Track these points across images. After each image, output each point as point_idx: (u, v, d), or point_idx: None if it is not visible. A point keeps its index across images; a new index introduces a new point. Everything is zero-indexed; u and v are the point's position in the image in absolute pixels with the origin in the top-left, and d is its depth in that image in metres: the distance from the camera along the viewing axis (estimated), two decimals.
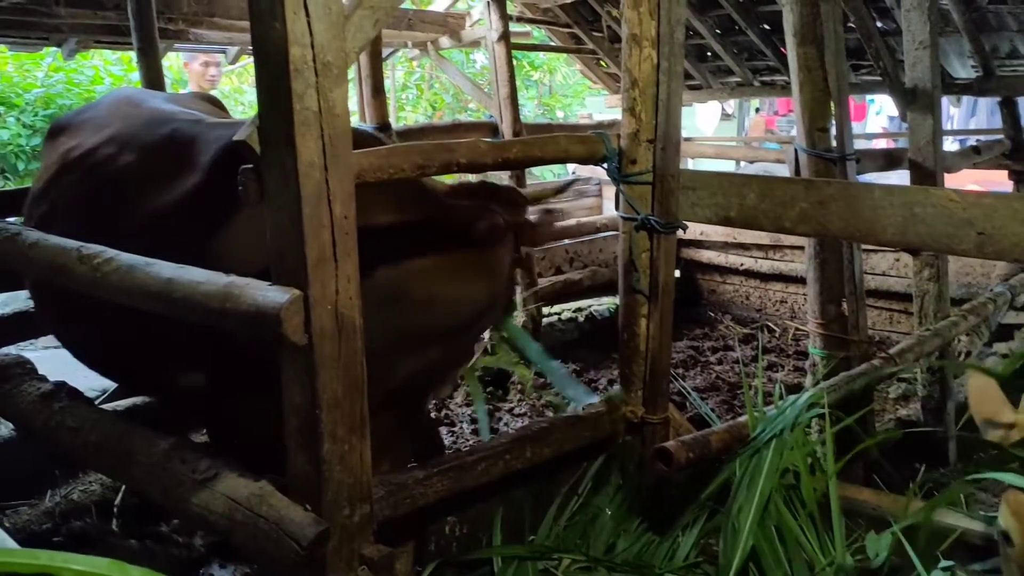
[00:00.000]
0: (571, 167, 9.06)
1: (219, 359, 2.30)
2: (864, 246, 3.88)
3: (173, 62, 10.63)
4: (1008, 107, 5.26)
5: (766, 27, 6.00)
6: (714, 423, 3.09)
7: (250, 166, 1.81)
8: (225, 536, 2.03)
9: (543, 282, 5.76)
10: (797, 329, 6.03)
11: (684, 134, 2.68)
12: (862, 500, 2.49)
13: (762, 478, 2.43)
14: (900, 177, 5.19)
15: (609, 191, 8.57)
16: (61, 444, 2.48)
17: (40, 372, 2.80)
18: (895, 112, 6.39)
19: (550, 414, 4.52)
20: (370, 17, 1.88)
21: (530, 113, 13.81)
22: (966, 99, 9.17)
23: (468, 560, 2.49)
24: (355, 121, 4.18)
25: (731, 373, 5.25)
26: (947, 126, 9.43)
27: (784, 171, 4.67)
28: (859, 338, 3.46)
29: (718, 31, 6.31)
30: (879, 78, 5.30)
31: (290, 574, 1.86)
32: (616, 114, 5.52)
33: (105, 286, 2.11)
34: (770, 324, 6.31)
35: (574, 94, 14.86)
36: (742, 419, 2.70)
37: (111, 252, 2.14)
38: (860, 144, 5.49)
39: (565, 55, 8.66)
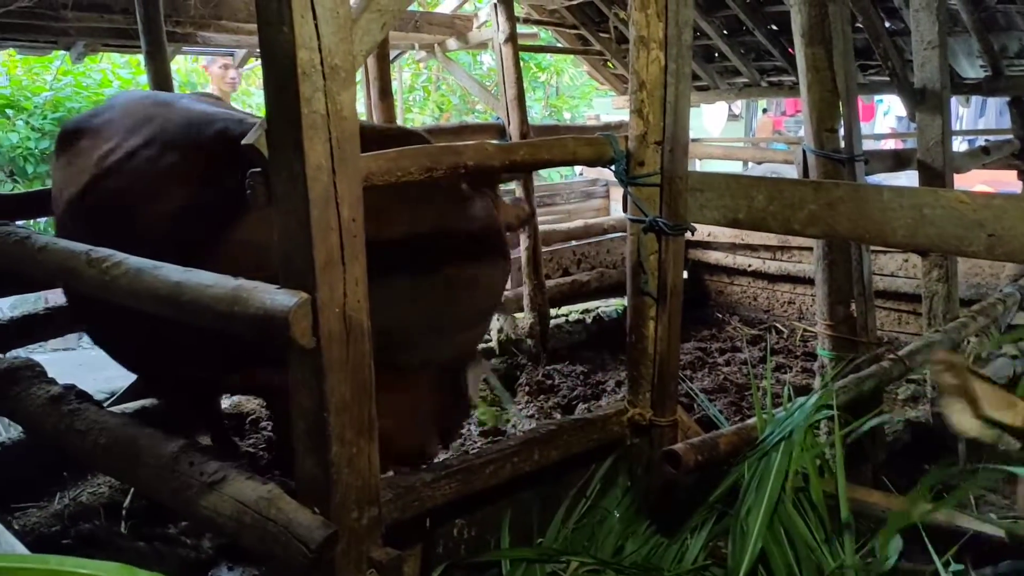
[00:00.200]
0: (578, 168, 9.05)
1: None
2: (873, 247, 3.87)
3: (181, 65, 10.68)
4: (1017, 107, 5.24)
5: (773, 27, 5.99)
6: (722, 425, 3.08)
7: (258, 170, 1.81)
8: (234, 539, 2.03)
9: (551, 284, 5.76)
10: (805, 330, 6.02)
11: (691, 135, 2.67)
12: (872, 502, 2.47)
13: (771, 480, 2.42)
14: (909, 178, 5.18)
15: (616, 192, 8.55)
16: (70, 447, 2.49)
17: (49, 375, 2.81)
18: (903, 112, 6.38)
19: (557, 416, 4.52)
20: (377, 20, 1.88)
21: (537, 115, 13.81)
22: (975, 99, 9.14)
23: (476, 562, 2.49)
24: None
25: (739, 374, 5.24)
26: (956, 126, 9.39)
27: (792, 172, 4.66)
28: (868, 339, 3.44)
29: (725, 32, 6.30)
30: (887, 78, 5.28)
31: None
32: (623, 115, 5.51)
33: (114, 289, 2.12)
34: (778, 325, 6.29)
35: (581, 95, 14.86)
36: (751, 421, 2.70)
37: (120, 255, 2.15)
38: (868, 145, 5.46)
39: (572, 56, 8.65)
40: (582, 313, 6.44)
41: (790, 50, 5.94)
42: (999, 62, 5.05)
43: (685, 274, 2.65)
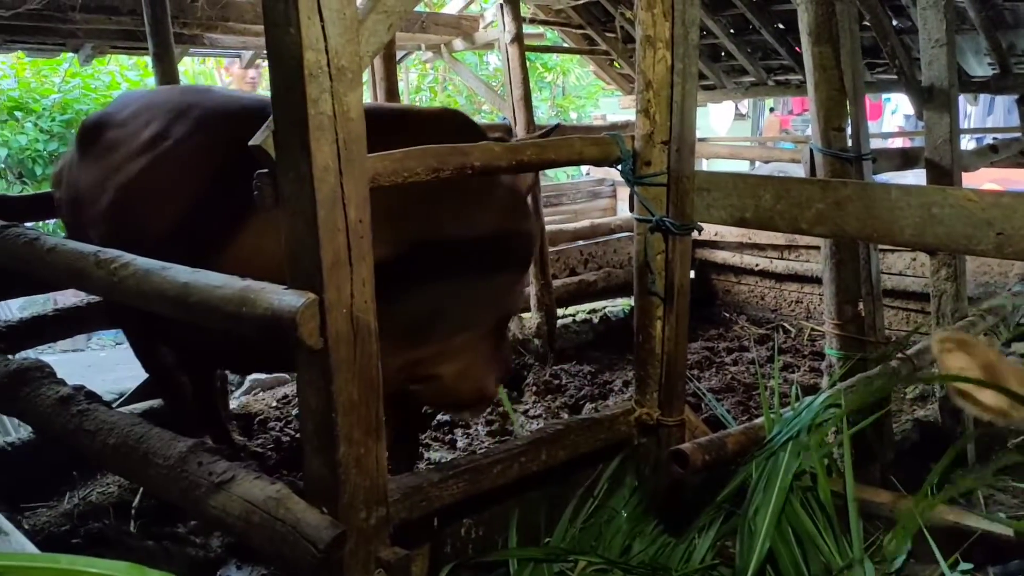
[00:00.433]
0: (584, 168, 9.05)
1: None
2: (880, 246, 3.86)
3: (188, 66, 10.72)
4: None
5: (780, 26, 5.98)
6: (730, 425, 3.08)
7: (265, 171, 1.81)
8: (242, 538, 2.04)
9: (557, 284, 5.76)
10: (813, 329, 6.00)
11: (698, 134, 2.67)
12: (880, 502, 2.47)
13: (779, 480, 2.41)
14: (917, 176, 5.16)
15: (623, 192, 8.56)
16: (80, 447, 2.50)
17: (58, 376, 2.82)
18: (911, 111, 6.36)
19: (565, 415, 4.52)
20: (384, 21, 1.89)
21: (544, 115, 13.80)
22: (983, 97, 9.10)
23: (484, 562, 2.49)
24: None
25: (746, 374, 5.23)
26: (964, 124, 9.36)
27: (799, 171, 4.65)
28: (876, 339, 3.43)
29: (732, 31, 6.29)
30: (895, 76, 5.27)
31: None
32: (630, 115, 5.51)
33: (122, 290, 2.13)
34: (785, 324, 6.28)
35: (587, 95, 14.85)
36: (758, 421, 2.69)
37: (128, 256, 2.16)
38: (876, 143, 5.45)
39: (578, 56, 8.65)
40: (589, 313, 6.44)
41: (797, 49, 5.93)
42: (1007, 60, 5.04)
43: (692, 273, 2.65)
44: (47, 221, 6.29)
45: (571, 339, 5.92)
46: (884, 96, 11.87)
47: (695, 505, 2.58)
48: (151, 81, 4.77)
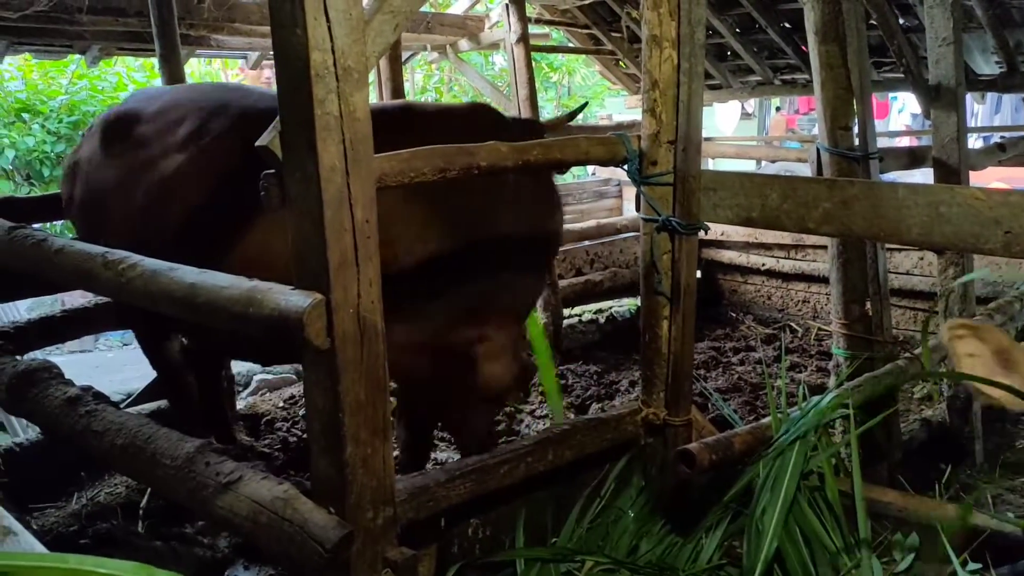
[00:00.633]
0: (590, 168, 9.05)
1: None
2: (888, 245, 3.85)
3: (195, 68, 10.74)
4: None
5: (787, 25, 5.97)
6: (736, 424, 3.07)
7: (272, 171, 1.82)
8: (250, 539, 2.04)
9: (564, 284, 5.75)
10: (820, 329, 5.99)
11: (704, 134, 2.67)
12: (888, 502, 2.46)
13: (786, 480, 2.41)
14: (924, 175, 5.15)
15: (629, 192, 8.54)
16: (88, 447, 2.51)
17: (66, 376, 2.83)
18: (918, 109, 6.34)
19: (571, 415, 4.52)
20: (390, 22, 1.89)
21: (549, 115, 13.78)
22: (990, 95, 9.07)
23: (491, 562, 2.49)
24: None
25: (753, 374, 5.22)
26: (971, 123, 9.33)
27: (806, 170, 4.64)
28: (883, 338, 3.42)
29: (738, 30, 6.28)
30: (902, 75, 5.25)
31: None
32: (636, 115, 5.49)
33: (130, 291, 2.13)
34: (792, 324, 6.26)
35: (593, 95, 14.84)
36: (765, 421, 2.69)
37: (135, 258, 2.16)
38: (882, 142, 5.43)
39: (584, 56, 8.64)
40: (595, 313, 6.43)
41: (803, 48, 5.92)
42: (1014, 58, 5.02)
43: (698, 273, 2.65)
44: (55, 222, 6.32)
45: (577, 339, 5.92)
46: (891, 95, 11.84)
47: (702, 505, 2.58)
48: (158, 82, 4.79)
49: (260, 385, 5.06)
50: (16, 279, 3.32)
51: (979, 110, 10.65)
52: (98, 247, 2.30)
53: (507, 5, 5.36)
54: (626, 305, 6.56)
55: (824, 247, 5.61)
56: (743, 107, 13.10)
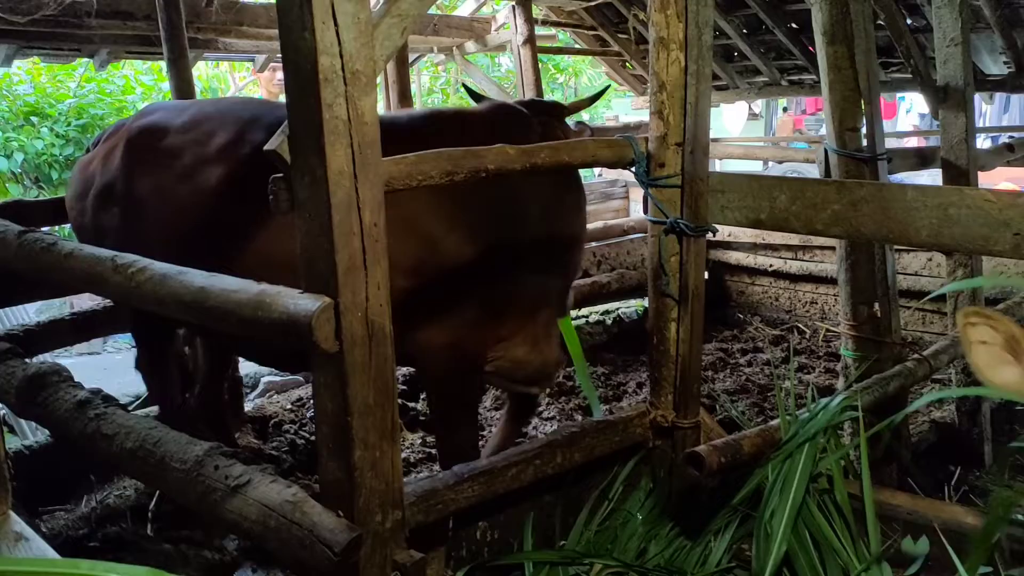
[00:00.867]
0: (597, 170, 9.05)
1: None
2: (896, 246, 3.84)
3: (202, 71, 10.77)
4: None
5: (794, 26, 5.96)
6: (745, 426, 3.07)
7: (280, 175, 1.82)
8: (259, 542, 2.05)
9: None
10: (828, 330, 5.97)
11: (711, 135, 2.66)
12: (897, 504, 2.45)
13: (795, 482, 2.41)
14: (932, 176, 5.13)
15: (636, 193, 8.55)
16: (97, 450, 2.51)
17: (76, 379, 2.83)
18: (925, 109, 6.32)
19: (579, 417, 4.52)
20: (398, 25, 1.89)
21: None
22: (999, 96, 9.05)
23: (499, 565, 2.49)
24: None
25: (761, 375, 5.21)
26: (979, 123, 9.31)
27: (813, 170, 4.63)
28: (892, 340, 3.41)
29: (745, 31, 6.27)
30: (909, 76, 5.24)
31: None
32: (642, 116, 5.48)
33: (140, 295, 2.13)
34: (800, 325, 6.25)
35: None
36: (774, 423, 2.68)
37: (144, 261, 2.17)
38: (890, 143, 5.41)
39: (590, 58, 8.64)
40: (602, 314, 6.42)
41: (811, 48, 5.91)
42: (1023, 58, 5.00)
43: (705, 275, 2.65)
44: (64, 226, 6.33)
45: (584, 340, 5.89)
46: (898, 95, 11.82)
47: (711, 507, 2.57)
48: (165, 86, 4.80)
49: (268, 387, 5.06)
50: (26, 282, 3.33)
51: (987, 110, 10.63)
52: (108, 251, 2.30)
53: (514, 7, 5.37)
54: (633, 306, 6.55)
55: (832, 248, 5.59)
56: (750, 108, 13.08)
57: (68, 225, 5.66)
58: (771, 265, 6.49)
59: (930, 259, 5.44)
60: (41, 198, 8.16)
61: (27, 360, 3.11)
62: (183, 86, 4.18)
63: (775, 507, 2.37)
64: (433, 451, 4.01)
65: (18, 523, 1.45)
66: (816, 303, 6.33)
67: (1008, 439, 3.84)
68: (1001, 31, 4.80)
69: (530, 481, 2.45)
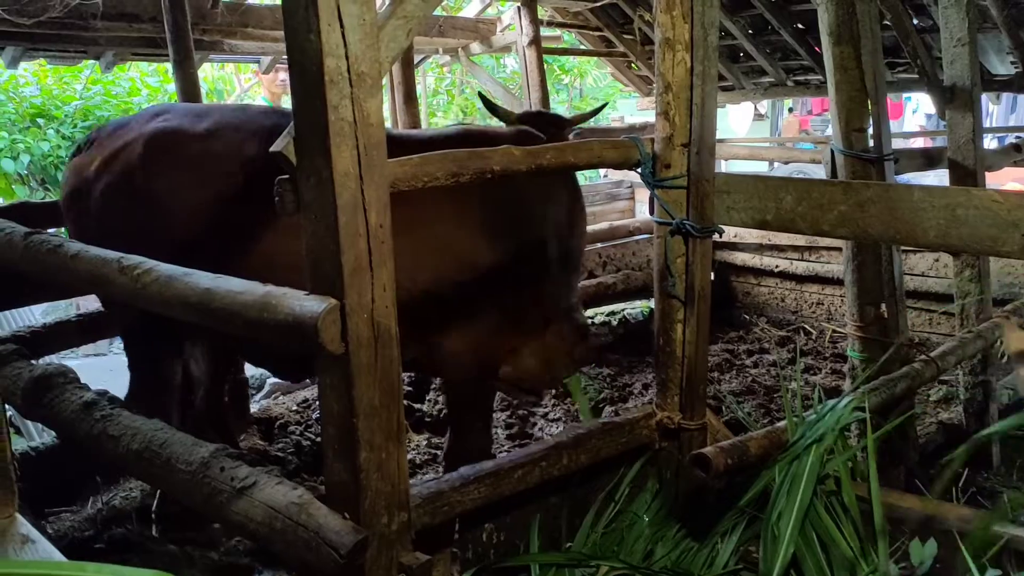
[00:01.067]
0: (602, 171, 9.03)
1: None
2: (903, 247, 3.83)
3: (208, 72, 10.79)
4: None
5: (800, 26, 5.95)
6: (751, 428, 3.06)
7: (286, 176, 1.82)
8: (265, 544, 2.04)
9: None
10: (834, 331, 5.95)
11: (716, 135, 2.66)
12: (905, 506, 2.44)
13: (802, 484, 2.40)
14: (938, 176, 5.11)
15: (642, 194, 8.53)
16: (103, 452, 2.51)
17: (82, 380, 2.83)
18: (932, 110, 6.31)
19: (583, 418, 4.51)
20: (403, 27, 1.89)
21: None
22: (1006, 96, 9.03)
23: (505, 567, 2.49)
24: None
25: (767, 376, 5.20)
26: (986, 123, 9.28)
27: (819, 171, 4.61)
28: (899, 340, 3.40)
29: (750, 31, 6.26)
30: (916, 76, 5.21)
31: None
32: (648, 117, 5.47)
33: (145, 297, 2.13)
34: (806, 326, 6.23)
35: (605, 97, 14.83)
36: (781, 424, 2.67)
37: (150, 263, 2.17)
38: (897, 143, 5.40)
39: (596, 58, 8.63)
40: (608, 316, 6.42)
41: (817, 49, 5.90)
42: None
43: (712, 275, 2.64)
44: None
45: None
46: (905, 95, 11.79)
47: (717, 509, 2.57)
48: (171, 88, 4.81)
49: (274, 388, 5.07)
50: (32, 284, 3.33)
51: (994, 110, 10.60)
52: (114, 252, 2.30)
53: (519, 8, 5.37)
54: (639, 307, 6.55)
55: (838, 249, 5.58)
56: (756, 108, 13.06)
57: None
58: (777, 266, 6.48)
59: (937, 259, 5.43)
60: (47, 200, 8.19)
61: (33, 362, 3.12)
62: (189, 88, 4.19)
63: (782, 509, 2.36)
64: (438, 452, 4.00)
65: (24, 525, 1.45)
66: (822, 304, 6.32)
67: (1017, 441, 3.82)
68: (1008, 31, 4.78)
69: (536, 483, 2.44)
